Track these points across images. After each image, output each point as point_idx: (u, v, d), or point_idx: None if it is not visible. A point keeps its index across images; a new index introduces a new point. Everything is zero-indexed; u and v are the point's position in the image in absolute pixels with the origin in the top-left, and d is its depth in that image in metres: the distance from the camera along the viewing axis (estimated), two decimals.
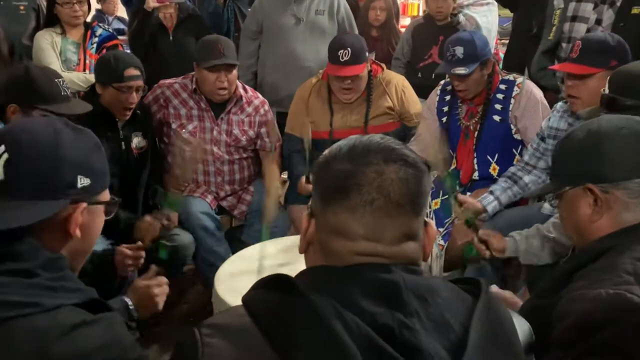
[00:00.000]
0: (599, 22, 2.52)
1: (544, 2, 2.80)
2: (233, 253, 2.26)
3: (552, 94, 2.67)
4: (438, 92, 2.57)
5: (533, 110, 2.33)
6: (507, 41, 3.66)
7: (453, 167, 2.53)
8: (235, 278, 1.88)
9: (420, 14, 5.59)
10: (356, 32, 3.17)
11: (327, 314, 0.68)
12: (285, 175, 2.92)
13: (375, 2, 3.49)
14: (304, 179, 2.49)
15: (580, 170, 1.13)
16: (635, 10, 2.43)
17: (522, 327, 0.83)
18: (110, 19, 5.42)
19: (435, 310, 0.74)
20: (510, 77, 2.41)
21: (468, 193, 2.42)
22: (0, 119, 1.83)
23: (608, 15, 2.50)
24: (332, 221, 0.78)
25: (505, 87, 2.38)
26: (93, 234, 1.02)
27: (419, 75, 3.18)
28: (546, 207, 2.11)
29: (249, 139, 2.64)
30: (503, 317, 0.78)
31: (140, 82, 2.27)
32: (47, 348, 0.81)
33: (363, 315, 0.70)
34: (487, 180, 2.38)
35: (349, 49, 2.46)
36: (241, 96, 2.61)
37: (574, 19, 2.59)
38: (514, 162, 2.36)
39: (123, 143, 2.34)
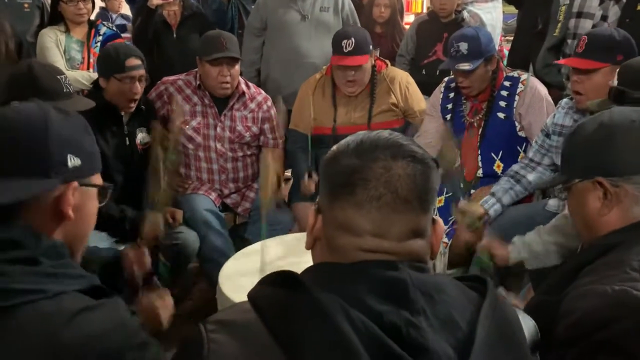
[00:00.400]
0: (604, 18, 2.51)
1: None
2: (237, 250, 2.26)
3: (556, 91, 2.66)
4: (442, 89, 2.56)
5: (537, 107, 2.32)
6: (512, 38, 3.65)
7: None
8: (239, 275, 1.89)
9: (424, 10, 5.57)
10: None
11: (333, 312, 0.68)
12: (289, 173, 2.92)
13: None
14: (306, 178, 2.49)
15: (590, 163, 1.11)
16: None
17: (527, 324, 0.83)
18: (114, 16, 5.42)
19: (442, 308, 0.73)
20: (515, 73, 2.40)
21: (472, 190, 2.42)
22: None
23: (614, 11, 2.49)
24: (338, 217, 0.78)
25: (510, 84, 2.37)
26: (88, 218, 1.02)
27: (423, 72, 3.17)
28: (551, 204, 2.10)
29: (253, 135, 2.64)
30: (510, 315, 0.78)
31: (142, 72, 2.27)
32: (55, 334, 0.82)
33: (369, 313, 0.70)
34: (491, 178, 2.38)
35: (352, 39, 2.46)
36: (244, 92, 2.61)
37: (580, 15, 2.58)
38: (519, 159, 2.35)
39: (127, 139, 2.34)
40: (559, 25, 2.67)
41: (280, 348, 0.68)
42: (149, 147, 2.40)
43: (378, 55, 2.82)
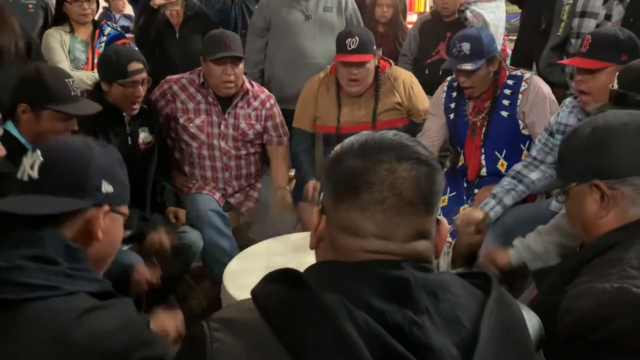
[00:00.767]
0: (608, 17, 2.50)
1: None
2: (240, 250, 2.26)
3: (560, 90, 2.66)
4: (445, 88, 2.56)
5: (541, 105, 2.32)
6: (515, 37, 3.65)
7: (461, 163, 2.53)
8: (243, 275, 1.89)
9: (427, 10, 5.56)
10: None
11: (336, 311, 0.68)
12: (293, 172, 2.93)
13: None
14: (311, 188, 2.50)
15: (586, 166, 1.12)
16: None
17: (532, 321, 0.83)
18: (117, 16, 5.42)
19: (447, 306, 0.73)
20: (518, 72, 2.40)
21: (476, 190, 2.42)
22: (11, 119, 1.84)
23: (618, 11, 2.48)
24: (342, 218, 0.78)
25: (513, 83, 2.37)
26: (114, 241, 1.09)
27: (426, 71, 3.17)
28: (554, 204, 2.09)
29: (256, 132, 2.65)
30: (515, 312, 0.78)
31: (144, 75, 2.26)
32: (65, 330, 0.85)
33: (372, 312, 0.69)
34: (495, 176, 2.37)
35: (356, 37, 2.46)
36: (248, 90, 2.62)
37: (583, 14, 2.57)
38: (522, 158, 2.35)
39: (130, 138, 2.33)
40: (563, 24, 2.67)
41: (283, 346, 0.68)
42: (151, 147, 2.41)
43: (381, 55, 2.83)
